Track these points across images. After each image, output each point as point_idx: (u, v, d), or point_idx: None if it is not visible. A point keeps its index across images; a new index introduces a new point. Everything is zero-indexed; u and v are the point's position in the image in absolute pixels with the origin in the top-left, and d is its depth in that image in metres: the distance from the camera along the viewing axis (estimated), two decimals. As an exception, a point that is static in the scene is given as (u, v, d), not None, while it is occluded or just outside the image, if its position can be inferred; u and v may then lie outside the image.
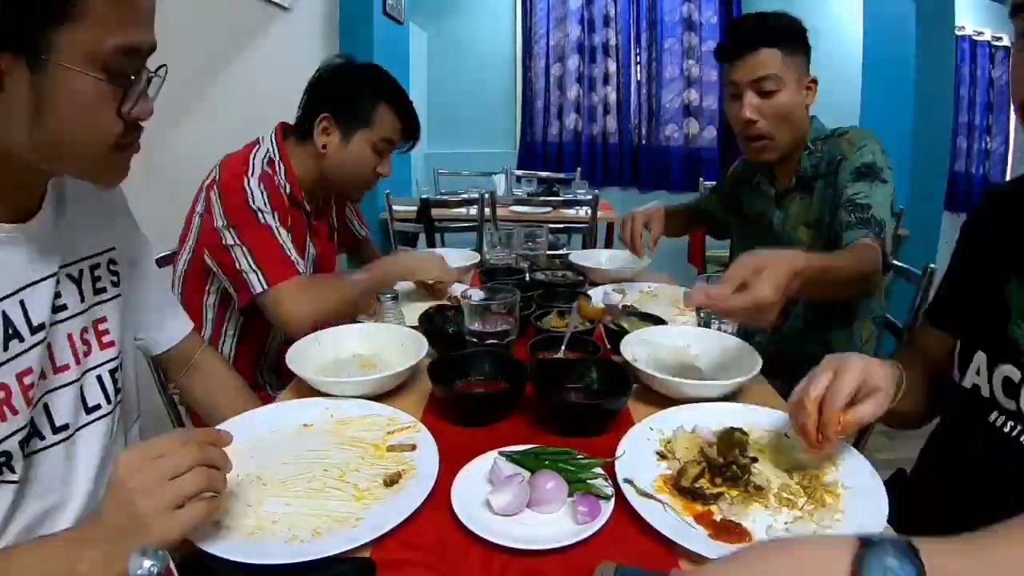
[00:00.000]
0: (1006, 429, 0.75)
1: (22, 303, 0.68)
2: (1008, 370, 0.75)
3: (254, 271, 1.18)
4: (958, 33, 4.43)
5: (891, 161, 1.27)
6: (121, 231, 0.87)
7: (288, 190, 1.30)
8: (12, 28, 0.56)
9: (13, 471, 0.67)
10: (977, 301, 0.83)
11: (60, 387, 0.73)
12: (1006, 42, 4.95)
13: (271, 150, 1.31)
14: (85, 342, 0.77)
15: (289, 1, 2.69)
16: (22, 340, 0.67)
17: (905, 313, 1.45)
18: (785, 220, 1.40)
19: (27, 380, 0.67)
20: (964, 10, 4.40)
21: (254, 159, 1.26)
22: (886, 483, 0.71)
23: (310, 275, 1.25)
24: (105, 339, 0.80)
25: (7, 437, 0.65)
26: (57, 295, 0.73)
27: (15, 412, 0.66)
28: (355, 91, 1.32)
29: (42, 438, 0.72)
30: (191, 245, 1.29)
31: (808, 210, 1.36)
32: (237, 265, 1.19)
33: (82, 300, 0.77)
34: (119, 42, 0.60)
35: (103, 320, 0.80)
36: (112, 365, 0.81)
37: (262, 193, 1.21)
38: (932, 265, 1.44)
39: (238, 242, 1.19)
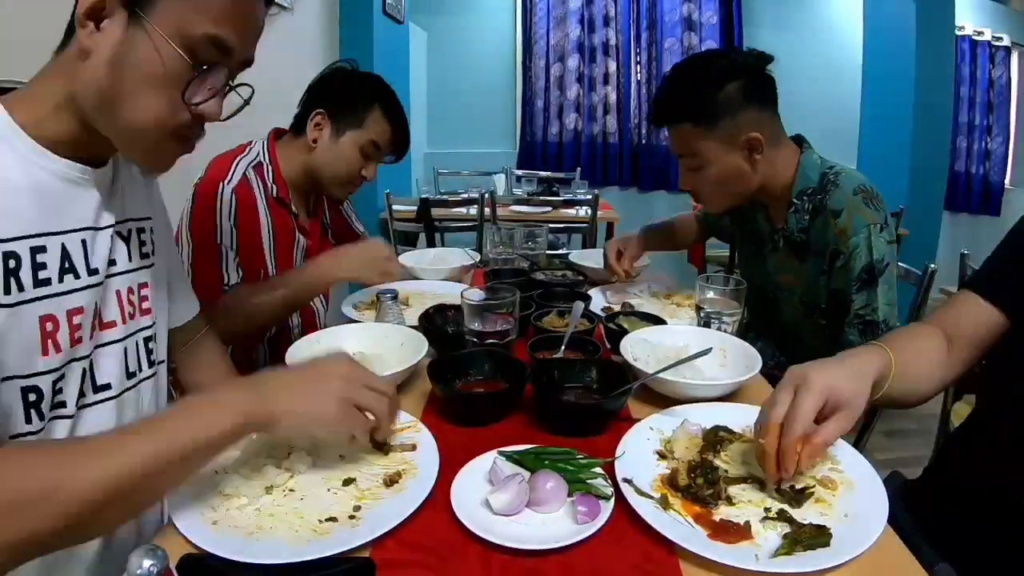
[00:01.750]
0: None
1: (83, 243, 0.69)
2: None
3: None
4: (958, 33, 4.43)
5: (884, 212, 1.18)
6: (157, 206, 0.89)
7: (275, 192, 1.30)
8: None
9: (42, 416, 0.66)
10: None
11: (105, 344, 0.74)
12: (1006, 42, 4.95)
13: (260, 153, 1.32)
14: (131, 303, 0.78)
15: (289, 1, 2.69)
16: (78, 277, 0.68)
17: (905, 312, 1.45)
18: (778, 270, 1.35)
19: (76, 320, 0.68)
20: (964, 10, 4.40)
21: (237, 165, 1.27)
22: (884, 483, 0.71)
23: (241, 288, 1.22)
24: (144, 305, 0.81)
25: (44, 373, 0.65)
26: (112, 250, 0.74)
27: (58, 349, 0.66)
28: (353, 91, 1.34)
29: (83, 396, 0.71)
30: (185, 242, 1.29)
31: (802, 278, 1.29)
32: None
33: (130, 259, 0.78)
34: (211, 32, 0.63)
35: (145, 285, 0.81)
36: (148, 332, 0.81)
37: (232, 204, 1.21)
38: (932, 265, 1.44)
39: (190, 254, 1.20)
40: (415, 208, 3.16)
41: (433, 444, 0.80)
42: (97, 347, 0.73)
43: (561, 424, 0.86)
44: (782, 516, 0.66)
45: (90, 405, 0.72)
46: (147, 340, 0.81)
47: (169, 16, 0.61)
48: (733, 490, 0.71)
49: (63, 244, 0.67)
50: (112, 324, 0.75)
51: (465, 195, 3.16)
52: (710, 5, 4.78)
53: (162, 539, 0.64)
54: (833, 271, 1.20)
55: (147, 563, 0.43)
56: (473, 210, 3.01)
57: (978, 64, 4.91)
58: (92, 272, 0.70)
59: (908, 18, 3.29)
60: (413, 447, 0.80)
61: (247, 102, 0.71)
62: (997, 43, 4.94)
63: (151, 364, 0.82)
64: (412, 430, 0.85)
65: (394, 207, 3.06)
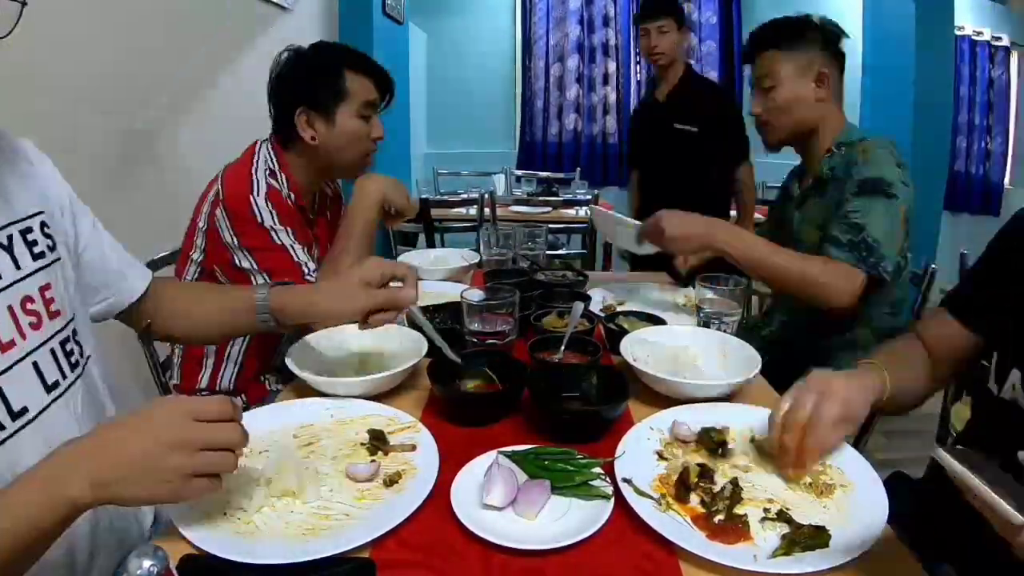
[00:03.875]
0: None
1: None
2: None
3: None
4: (958, 33, 4.43)
5: (907, 174, 1.25)
6: (51, 196, 0.80)
7: (292, 199, 1.30)
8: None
9: None
10: (1016, 314, 0.79)
11: (10, 367, 0.66)
12: (1006, 42, 4.95)
13: (270, 161, 1.30)
14: (31, 313, 0.70)
15: (289, 1, 2.69)
16: None
17: (905, 312, 1.45)
18: (802, 221, 1.41)
19: None
20: (964, 10, 4.40)
21: (256, 174, 1.25)
22: (884, 483, 0.71)
23: (317, 271, 1.24)
24: (52, 307, 0.73)
25: None
26: None
27: None
28: (316, 73, 1.30)
29: (2, 428, 0.64)
30: (198, 259, 1.29)
31: (820, 211, 1.36)
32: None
33: (18, 267, 0.70)
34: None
35: (47, 287, 0.73)
36: (63, 335, 0.74)
37: (271, 212, 1.21)
38: (932, 265, 1.44)
39: (256, 268, 1.20)
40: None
41: (433, 444, 0.80)
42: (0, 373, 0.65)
43: (559, 432, 0.85)
44: (781, 517, 0.66)
45: (12, 435, 0.65)
46: (63, 343, 0.73)
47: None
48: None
49: None
50: (11, 344, 0.66)
51: (465, 195, 3.16)
52: (710, 5, 4.78)
53: (162, 539, 0.64)
54: (845, 185, 1.27)
55: (147, 563, 0.43)
56: (473, 210, 3.01)
57: (978, 64, 4.91)
58: None
59: (908, 18, 3.29)
60: (413, 447, 0.80)
61: (24, 3, 0.61)
62: (996, 43, 4.94)
63: (73, 367, 0.74)
64: (412, 430, 0.85)
65: (394, 207, 3.06)
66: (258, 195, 1.22)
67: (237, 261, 1.21)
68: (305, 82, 1.30)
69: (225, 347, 1.33)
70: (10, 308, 0.67)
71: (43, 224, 0.76)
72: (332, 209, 1.54)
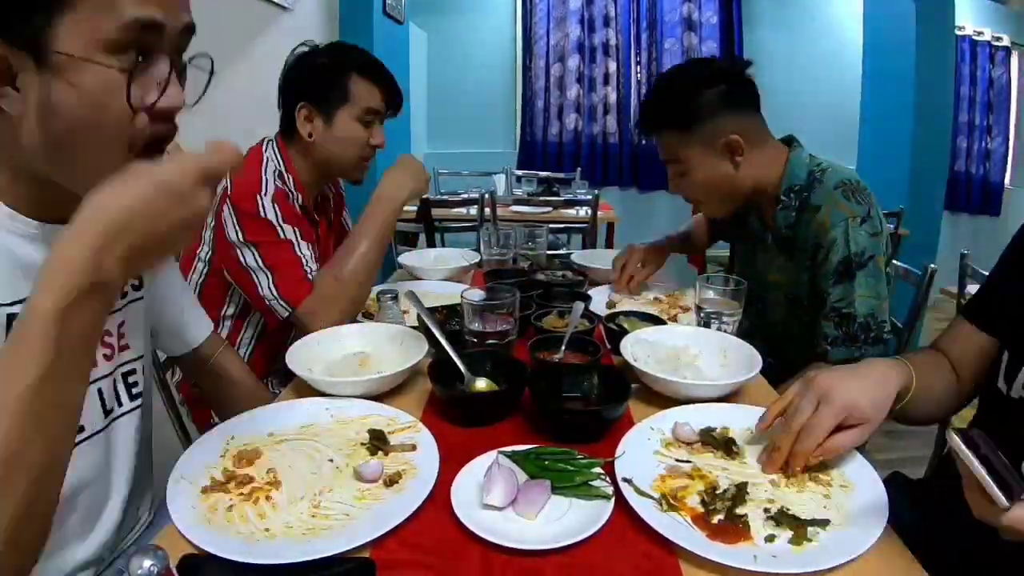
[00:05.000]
0: None
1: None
2: None
3: (275, 298, 1.19)
4: (958, 33, 4.43)
5: (870, 210, 1.18)
6: None
7: (299, 200, 1.30)
8: (13, 21, 0.52)
9: None
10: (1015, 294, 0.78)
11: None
12: (1006, 42, 4.95)
13: (276, 160, 1.30)
14: (108, 345, 0.75)
15: (289, 1, 2.69)
16: None
17: (905, 312, 1.45)
18: (767, 269, 1.36)
19: None
20: (964, 10, 4.40)
21: (265, 173, 1.25)
22: (885, 483, 0.71)
23: (322, 276, 1.21)
24: (123, 342, 0.78)
25: None
26: None
27: None
28: (324, 71, 1.31)
29: None
30: (205, 257, 1.29)
31: (788, 273, 1.31)
32: (260, 291, 1.20)
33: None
34: (127, 19, 0.54)
35: (123, 324, 0.78)
36: (129, 367, 0.79)
37: (276, 211, 1.21)
38: (932, 265, 1.44)
39: (260, 264, 1.19)
40: (415, 208, 3.15)
41: (433, 444, 0.80)
42: None
43: (559, 432, 0.85)
44: (781, 517, 0.66)
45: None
46: (126, 375, 0.79)
47: (77, 33, 0.53)
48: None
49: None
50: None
51: (465, 195, 3.16)
52: (710, 5, 4.78)
53: (162, 539, 0.64)
54: (815, 265, 1.22)
55: (147, 563, 0.43)
56: (473, 210, 3.01)
57: (978, 64, 4.91)
58: None
59: (908, 18, 3.29)
60: (413, 447, 0.80)
61: (212, 72, 0.64)
62: (997, 43, 4.93)
63: (132, 398, 0.80)
64: (412, 430, 0.85)
65: (394, 207, 3.06)
66: (265, 195, 1.21)
67: (242, 258, 1.20)
68: (310, 78, 1.31)
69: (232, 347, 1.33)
70: None
71: None
72: (334, 211, 1.54)
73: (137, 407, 0.80)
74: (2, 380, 0.49)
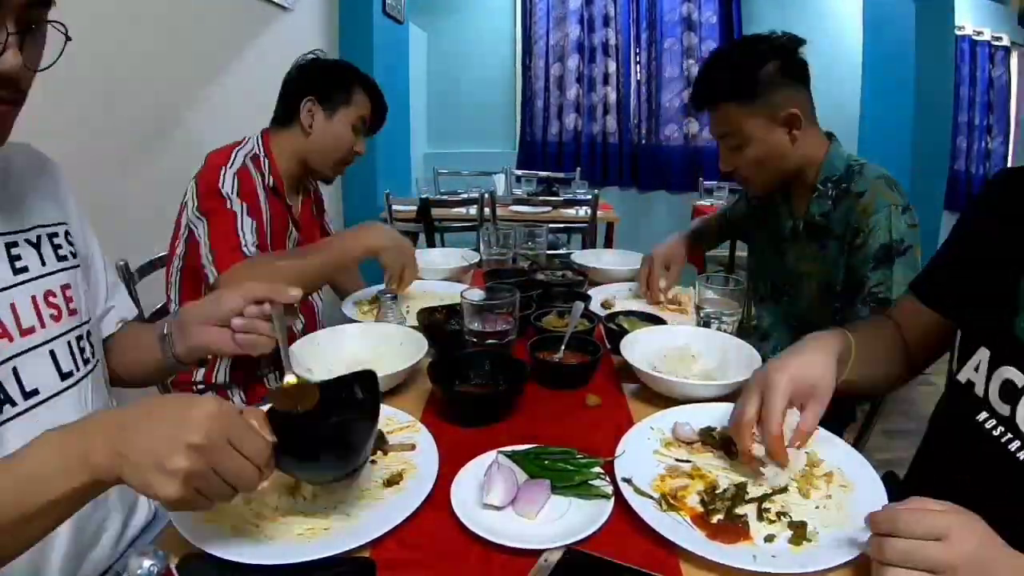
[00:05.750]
0: (995, 433, 0.71)
1: None
2: (1010, 372, 0.70)
3: (209, 263, 1.22)
4: (958, 33, 4.44)
5: (907, 199, 1.19)
6: (71, 212, 0.87)
7: (272, 183, 1.37)
8: None
9: None
10: (983, 292, 0.78)
11: (28, 350, 0.72)
12: (1006, 42, 4.96)
13: (256, 147, 1.38)
14: (52, 306, 0.77)
15: (289, 1, 2.69)
16: None
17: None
18: (797, 260, 1.36)
19: None
20: (964, 10, 4.41)
21: (236, 153, 1.34)
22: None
23: (261, 255, 1.23)
24: (71, 305, 0.80)
25: None
26: (17, 258, 0.74)
27: None
28: (335, 75, 1.45)
29: (13, 404, 0.70)
30: (181, 254, 1.34)
31: (820, 262, 1.30)
32: (203, 259, 1.24)
33: (43, 263, 0.77)
34: None
35: (68, 287, 0.80)
36: (79, 332, 0.80)
37: (234, 183, 1.27)
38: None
39: (205, 232, 1.24)
40: (415, 208, 3.16)
41: (433, 444, 0.80)
42: (15, 355, 0.70)
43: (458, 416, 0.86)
44: (781, 516, 0.66)
45: (25, 411, 0.71)
46: (78, 339, 0.80)
47: None
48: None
49: None
50: (31, 330, 0.73)
51: (465, 195, 3.16)
52: (710, 5, 4.78)
53: (162, 539, 0.64)
54: (852, 250, 1.22)
55: (147, 563, 0.43)
56: (473, 210, 3.01)
57: (978, 64, 4.91)
58: None
59: (908, 18, 3.29)
60: (413, 447, 0.80)
61: (68, 37, 0.67)
62: (997, 43, 4.94)
63: (86, 362, 0.80)
64: (412, 430, 0.85)
65: (394, 207, 3.06)
66: (229, 167, 1.29)
67: (196, 232, 1.25)
68: (323, 78, 1.44)
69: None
70: (33, 298, 0.74)
71: (67, 232, 0.84)
72: (316, 207, 1.62)
73: (90, 372, 0.80)
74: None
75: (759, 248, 1.53)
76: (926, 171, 3.41)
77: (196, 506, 0.56)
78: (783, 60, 1.22)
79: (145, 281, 1.39)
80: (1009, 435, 0.70)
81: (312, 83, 1.42)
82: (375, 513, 0.68)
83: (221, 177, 1.26)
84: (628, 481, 0.71)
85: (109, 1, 1.63)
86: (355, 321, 1.27)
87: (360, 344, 1.10)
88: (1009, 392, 0.70)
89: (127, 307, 0.98)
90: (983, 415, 0.74)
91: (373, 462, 0.78)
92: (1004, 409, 0.71)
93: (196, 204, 1.26)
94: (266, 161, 1.38)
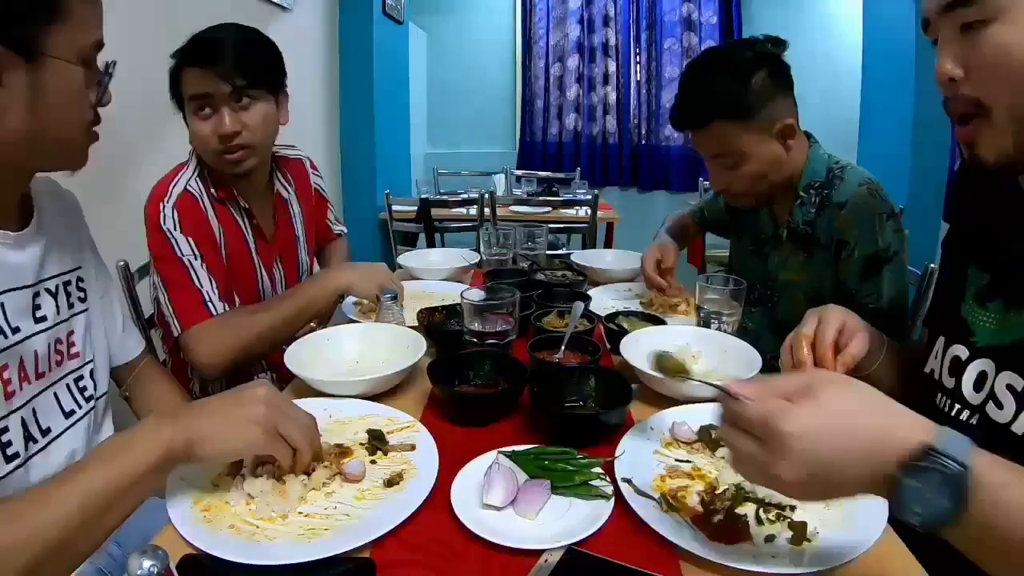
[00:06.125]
0: (946, 409, 0.75)
1: (2, 305, 0.73)
2: (958, 350, 0.76)
3: (171, 315, 1.16)
4: (958, 33, 4.42)
5: (890, 204, 1.17)
6: (88, 255, 0.94)
7: (216, 194, 1.25)
8: (10, 27, 0.63)
9: None
10: (942, 283, 0.85)
11: (40, 393, 0.79)
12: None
13: (197, 167, 1.26)
14: (58, 352, 0.83)
15: (289, 1, 2.69)
16: (6, 337, 0.73)
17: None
18: (781, 267, 1.33)
19: (5, 375, 0.73)
20: (964, 10, 4.39)
21: (175, 184, 1.21)
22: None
23: (230, 311, 1.19)
24: (72, 350, 0.86)
25: None
26: (38, 307, 0.79)
27: None
28: (171, 80, 1.24)
29: (35, 442, 0.76)
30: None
31: (807, 272, 1.28)
32: (163, 308, 1.18)
33: (58, 312, 0.83)
34: (96, 38, 0.71)
35: (72, 332, 0.86)
36: (78, 374, 0.86)
37: (175, 220, 1.17)
38: (932, 265, 1.44)
39: (160, 281, 1.17)
40: (415, 208, 3.15)
41: (433, 444, 0.80)
42: (32, 397, 0.77)
43: (559, 435, 0.83)
44: (781, 516, 0.66)
45: (42, 449, 0.77)
46: (77, 380, 0.86)
47: (62, 44, 0.67)
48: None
49: None
50: (43, 374, 0.79)
51: (465, 195, 3.16)
52: (710, 5, 4.78)
53: (162, 539, 0.64)
54: (839, 262, 1.20)
55: (147, 563, 0.43)
56: (473, 210, 3.01)
57: (978, 64, 4.91)
58: (14, 331, 0.74)
59: (908, 18, 3.29)
60: (413, 447, 0.80)
61: (110, 74, 0.77)
62: (997, 43, 4.93)
63: (88, 399, 0.87)
64: (412, 430, 0.85)
65: (394, 207, 3.06)
66: (167, 202, 1.18)
67: (152, 274, 1.18)
68: (171, 92, 1.25)
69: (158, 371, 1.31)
70: (49, 345, 0.81)
71: (79, 279, 0.90)
72: (301, 205, 1.48)
73: (90, 410, 0.87)
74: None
75: (741, 248, 1.51)
76: (926, 171, 3.40)
77: (277, 449, 0.69)
78: (770, 68, 1.17)
79: (145, 282, 1.39)
80: (957, 406, 0.74)
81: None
82: (375, 513, 0.68)
83: (161, 214, 1.16)
84: (629, 482, 0.71)
85: (107, 1, 1.63)
86: (355, 321, 1.27)
87: (360, 344, 1.10)
88: (955, 366, 0.76)
89: (136, 340, 1.07)
90: (939, 396, 0.78)
91: (373, 462, 0.78)
92: (950, 383, 0.76)
93: (150, 253, 1.18)
94: (207, 171, 1.25)
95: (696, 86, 1.20)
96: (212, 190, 1.25)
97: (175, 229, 1.17)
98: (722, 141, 1.19)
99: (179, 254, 1.16)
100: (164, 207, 1.18)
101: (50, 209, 0.85)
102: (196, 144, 1.24)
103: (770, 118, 1.17)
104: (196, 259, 1.18)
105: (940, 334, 0.80)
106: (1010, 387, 0.68)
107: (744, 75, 1.15)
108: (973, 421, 0.72)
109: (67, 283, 0.86)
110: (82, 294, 0.90)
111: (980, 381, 0.72)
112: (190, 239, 1.18)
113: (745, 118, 1.16)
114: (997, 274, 0.74)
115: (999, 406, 0.69)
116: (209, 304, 1.16)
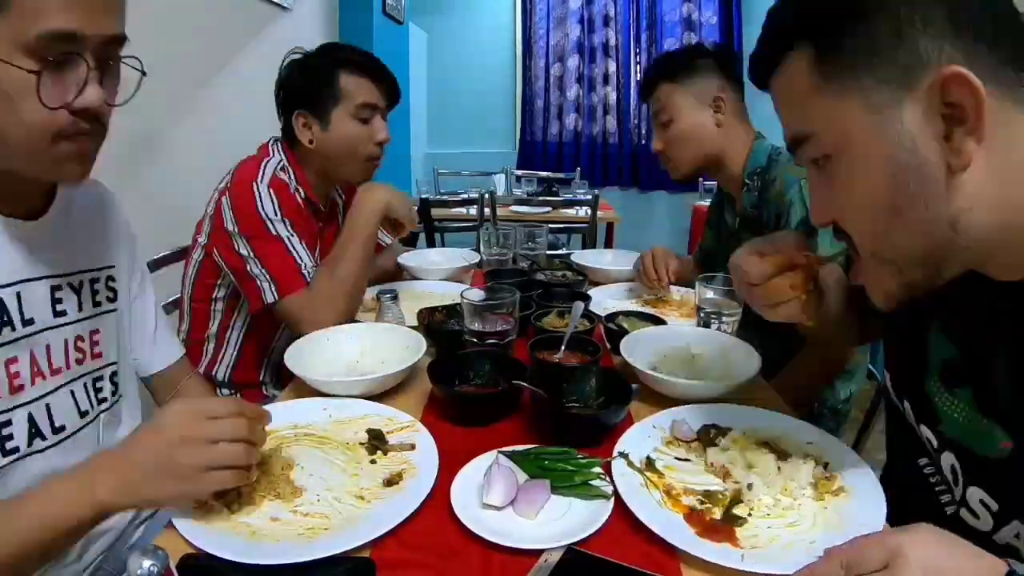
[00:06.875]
0: (932, 480, 0.71)
1: (18, 295, 0.71)
2: (926, 431, 0.69)
3: (267, 280, 1.19)
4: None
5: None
6: (124, 255, 0.91)
7: (303, 193, 1.31)
8: None
9: None
10: (901, 344, 0.75)
11: (56, 389, 0.76)
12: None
13: (281, 157, 1.31)
14: (80, 350, 0.80)
15: (289, 1, 2.69)
16: (13, 329, 0.70)
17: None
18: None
19: (13, 368, 0.71)
20: (964, 10, 4.40)
21: (265, 166, 1.26)
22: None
23: (315, 276, 1.22)
24: (96, 349, 0.83)
25: None
26: (58, 301, 0.77)
27: None
28: (311, 75, 1.30)
29: (44, 439, 0.74)
30: (203, 244, 1.30)
31: None
32: (249, 270, 1.20)
33: (80, 310, 0.81)
34: (52, 27, 0.59)
35: (97, 331, 0.84)
36: (98, 373, 0.84)
37: (272, 199, 1.21)
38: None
39: (251, 254, 1.20)
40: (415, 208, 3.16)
41: (433, 444, 0.80)
42: (46, 393, 0.75)
43: (560, 435, 0.83)
44: (777, 515, 0.66)
45: (52, 446, 0.75)
46: (96, 380, 0.84)
47: (2, 36, 0.58)
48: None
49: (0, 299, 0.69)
50: (59, 371, 0.77)
51: (465, 195, 3.16)
52: (710, 5, 4.78)
53: (162, 539, 0.64)
54: None
55: (147, 563, 0.43)
56: (473, 210, 3.01)
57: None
58: (27, 323, 0.72)
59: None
60: (413, 447, 0.80)
61: (143, 72, 0.71)
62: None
63: (100, 402, 0.84)
64: (412, 430, 0.85)
65: (394, 207, 3.06)
66: (261, 182, 1.22)
67: (236, 246, 1.21)
68: (300, 85, 1.31)
69: (225, 332, 1.35)
70: (66, 341, 0.78)
71: (109, 278, 0.87)
72: (344, 217, 1.51)
73: (104, 411, 0.85)
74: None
75: (721, 260, 1.55)
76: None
77: (211, 488, 0.64)
78: (719, 60, 1.38)
79: (154, 275, 1.39)
80: (942, 487, 0.69)
81: (295, 94, 1.30)
82: (375, 513, 0.68)
83: (257, 194, 1.20)
84: (624, 456, 0.74)
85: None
86: (355, 321, 1.27)
87: (360, 344, 1.10)
88: (931, 446, 0.69)
89: (171, 349, 1.04)
90: (923, 460, 0.72)
91: (373, 462, 0.78)
92: (929, 469, 0.71)
93: (236, 227, 1.20)
94: (292, 171, 1.30)
95: (657, 60, 1.48)
96: (299, 189, 1.31)
97: (275, 212, 1.21)
98: (662, 100, 1.40)
99: (275, 232, 1.20)
100: (259, 187, 1.22)
101: (81, 203, 0.82)
102: (345, 145, 1.31)
103: (704, 88, 1.36)
104: (292, 236, 1.22)
105: (905, 397, 0.73)
106: (983, 503, 0.62)
107: (692, 55, 1.41)
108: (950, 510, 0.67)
109: (94, 280, 0.83)
110: (111, 293, 0.86)
111: (955, 475, 0.66)
112: (286, 219, 1.22)
113: (680, 80, 1.37)
114: (967, 356, 0.64)
115: (974, 515, 0.64)
116: (305, 272, 1.21)
